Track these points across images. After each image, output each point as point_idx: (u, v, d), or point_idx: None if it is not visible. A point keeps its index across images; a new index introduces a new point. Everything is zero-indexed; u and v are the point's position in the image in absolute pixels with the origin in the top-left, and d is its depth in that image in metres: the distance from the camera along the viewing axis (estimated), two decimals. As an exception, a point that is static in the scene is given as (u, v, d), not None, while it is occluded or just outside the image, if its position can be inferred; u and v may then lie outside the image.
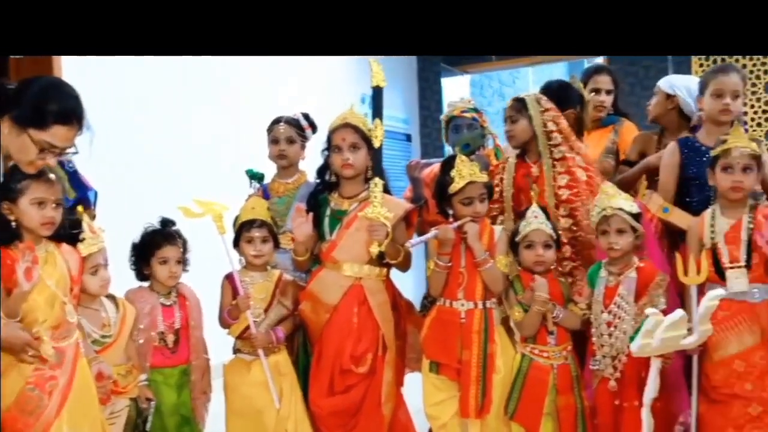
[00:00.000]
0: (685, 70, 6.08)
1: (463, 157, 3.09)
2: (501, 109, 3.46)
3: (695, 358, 2.86)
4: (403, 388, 3.30)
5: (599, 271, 2.99)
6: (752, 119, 6.40)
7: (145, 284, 3.18)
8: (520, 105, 3.32)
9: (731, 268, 2.86)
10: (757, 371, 2.80)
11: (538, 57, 7.07)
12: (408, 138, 6.89)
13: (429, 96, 6.58)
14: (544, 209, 3.09)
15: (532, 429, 2.98)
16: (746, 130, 3.44)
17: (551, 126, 3.29)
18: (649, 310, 2.65)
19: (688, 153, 3.37)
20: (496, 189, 3.34)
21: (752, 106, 6.40)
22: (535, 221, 3.03)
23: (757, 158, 2.88)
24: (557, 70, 8.62)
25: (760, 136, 6.28)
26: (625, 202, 2.94)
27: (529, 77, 8.21)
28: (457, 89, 7.42)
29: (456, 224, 3.04)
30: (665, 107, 3.86)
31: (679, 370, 2.97)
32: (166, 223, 3.18)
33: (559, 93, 3.60)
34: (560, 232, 3.15)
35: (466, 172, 3.04)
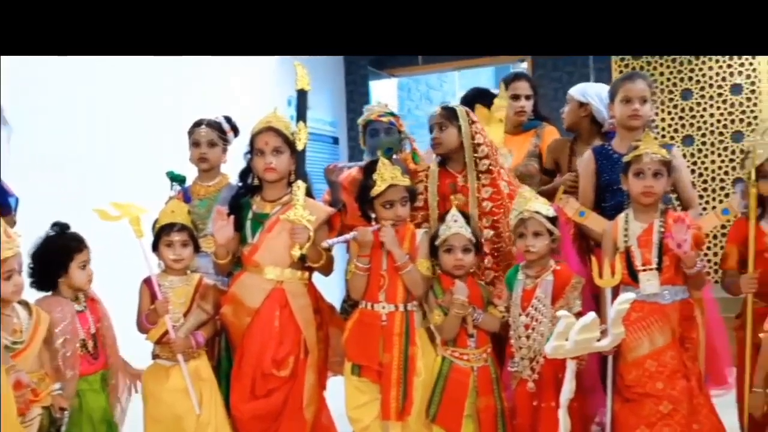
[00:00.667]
0: (606, 77, 6.24)
1: (386, 161, 3.11)
2: (428, 113, 3.46)
3: (610, 359, 2.94)
4: (325, 392, 3.30)
5: (517, 274, 3.04)
6: (669, 125, 6.61)
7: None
8: (449, 114, 3.36)
9: (643, 270, 2.95)
10: (667, 370, 2.88)
11: (465, 61, 7.15)
12: (335, 141, 6.89)
13: (356, 99, 6.60)
14: (465, 214, 3.13)
15: (453, 431, 3.01)
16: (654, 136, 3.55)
17: (479, 138, 3.36)
18: (560, 313, 2.71)
19: (602, 160, 3.48)
20: (421, 197, 3.38)
21: (669, 113, 6.60)
22: (455, 225, 3.06)
23: (667, 164, 2.98)
24: (484, 74, 8.73)
25: (676, 141, 6.50)
26: (542, 206, 3.01)
27: (456, 81, 8.30)
28: (384, 92, 7.47)
29: (372, 228, 3.06)
30: (578, 115, 3.98)
31: (595, 371, 3.05)
32: (65, 227, 3.08)
33: (476, 100, 3.68)
34: (482, 240, 3.21)
35: (387, 176, 3.07)
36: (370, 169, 3.15)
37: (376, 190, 3.07)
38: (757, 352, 2.88)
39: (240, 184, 3.30)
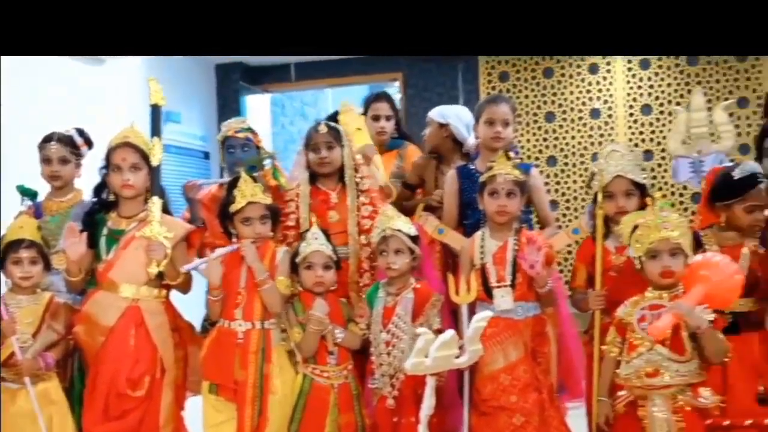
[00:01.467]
0: (474, 98, 6.38)
1: (247, 178, 3.09)
2: (307, 130, 3.45)
3: (466, 373, 3.00)
4: (184, 412, 3.22)
5: (377, 291, 3.08)
6: (534, 146, 6.86)
7: None
8: (336, 134, 3.40)
9: (498, 287, 3.03)
10: (520, 384, 2.97)
11: (338, 79, 7.21)
12: (206, 156, 6.78)
13: (228, 114, 6.49)
14: (325, 231, 3.14)
15: (314, 449, 3.00)
16: (516, 156, 3.67)
17: (359, 158, 3.42)
18: (420, 330, 2.75)
19: (465, 180, 3.58)
20: (292, 216, 3.38)
21: (534, 134, 6.85)
22: (315, 242, 3.08)
23: (520, 184, 3.08)
24: (358, 92, 8.81)
25: (540, 162, 6.75)
26: (404, 224, 3.07)
27: (329, 98, 8.34)
28: (258, 108, 7.41)
29: (231, 247, 3.03)
30: (440, 135, 4.08)
31: (454, 386, 3.11)
32: None
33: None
34: (361, 258, 3.27)
35: (248, 192, 3.05)
36: (231, 186, 3.13)
37: (234, 207, 3.06)
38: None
39: (94, 199, 3.19)
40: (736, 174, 2.83)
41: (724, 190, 2.85)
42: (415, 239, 3.07)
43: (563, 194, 6.80)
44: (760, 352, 2.84)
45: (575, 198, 6.78)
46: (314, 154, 3.39)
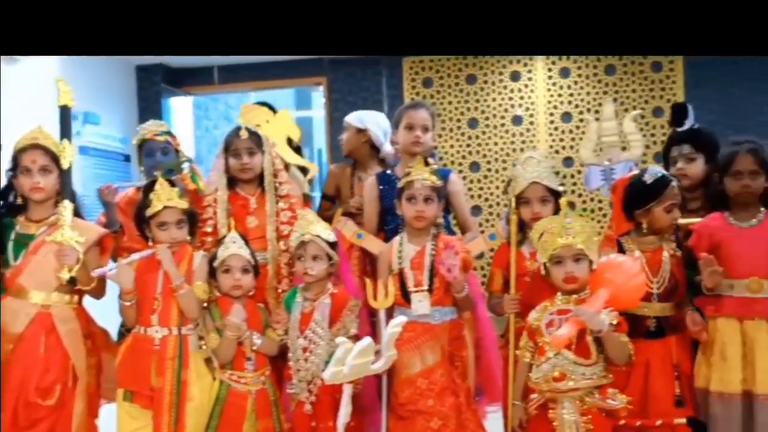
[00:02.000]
0: (398, 104, 6.35)
1: (164, 182, 3.06)
2: (225, 135, 3.42)
3: (384, 378, 3.03)
4: (98, 420, 3.16)
5: (295, 296, 3.07)
6: (457, 152, 6.94)
7: None
8: (257, 139, 3.38)
9: (415, 291, 3.06)
10: (437, 388, 3.00)
11: (262, 82, 7.17)
12: (126, 158, 6.65)
13: (149, 116, 6.33)
14: (243, 236, 3.13)
15: (231, 454, 2.97)
16: (436, 162, 3.71)
17: (278, 164, 3.42)
18: (339, 340, 2.77)
19: (385, 185, 3.61)
20: (210, 222, 3.34)
21: (457, 140, 6.94)
22: (233, 246, 3.06)
23: (437, 189, 3.12)
24: (283, 96, 8.79)
25: (463, 167, 6.84)
26: (323, 230, 3.07)
27: (252, 102, 8.26)
28: (180, 110, 7.31)
29: (142, 253, 3.00)
30: (358, 141, 4.10)
31: (372, 390, 3.12)
32: None
33: None
34: (280, 263, 3.26)
35: (164, 197, 3.02)
36: (148, 189, 3.09)
37: (150, 211, 3.03)
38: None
39: (1, 203, 3.10)
40: (648, 178, 2.90)
41: (641, 195, 2.91)
42: (333, 245, 3.08)
43: (486, 199, 6.90)
44: (678, 354, 2.92)
45: (498, 203, 6.88)
46: (235, 159, 3.37)
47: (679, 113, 3.43)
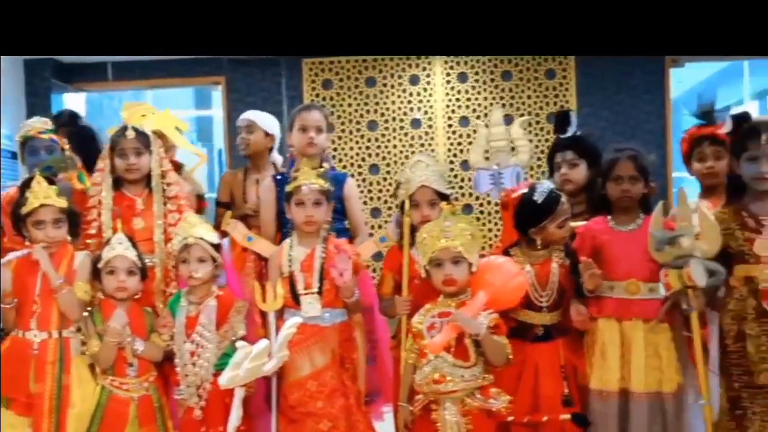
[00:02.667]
0: (298, 104, 6.37)
1: (41, 179, 2.96)
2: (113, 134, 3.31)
3: (274, 380, 3.01)
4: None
5: (179, 300, 3.02)
6: (357, 154, 6.95)
7: None
8: (144, 139, 3.30)
9: (305, 294, 3.06)
10: (327, 390, 3.01)
11: (159, 80, 7.01)
12: (14, 156, 6.38)
13: (39, 112, 6.12)
14: (130, 237, 3.05)
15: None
16: (330, 165, 3.72)
17: (166, 165, 3.34)
18: (239, 344, 2.76)
19: (281, 188, 3.57)
20: (94, 223, 3.25)
21: (357, 142, 6.95)
22: (119, 247, 2.99)
23: (325, 192, 3.12)
24: (182, 94, 8.64)
25: (363, 170, 6.86)
26: (207, 232, 3.02)
27: (150, 100, 8.08)
28: (72, 107, 7.05)
29: (17, 254, 2.90)
30: (265, 144, 4.10)
31: (262, 394, 3.10)
32: None
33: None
34: (168, 266, 3.20)
35: (41, 194, 2.94)
36: (24, 187, 2.98)
37: (26, 209, 2.93)
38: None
39: None
40: (538, 197, 2.95)
41: (533, 215, 2.96)
42: (217, 247, 3.04)
43: (385, 202, 6.94)
44: (566, 355, 2.99)
45: (397, 206, 6.89)
46: (121, 159, 3.28)
47: (562, 121, 3.53)
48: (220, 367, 2.89)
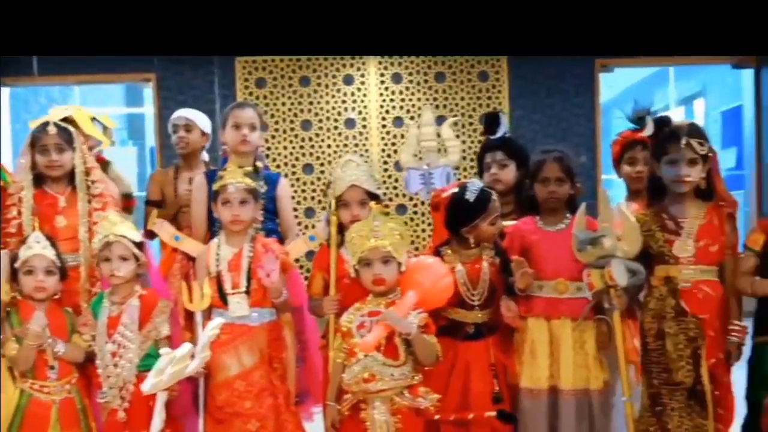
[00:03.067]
0: (231, 103, 6.33)
1: None
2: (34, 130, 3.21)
3: (201, 381, 2.98)
4: None
5: (102, 301, 2.96)
6: (291, 153, 6.94)
7: None
8: (67, 135, 3.23)
9: (233, 293, 3.02)
10: (255, 389, 2.98)
11: (87, 76, 6.85)
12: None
13: (-41, 107, 6.00)
14: (49, 236, 2.98)
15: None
16: (262, 158, 3.70)
17: (90, 162, 3.28)
18: (163, 351, 2.72)
19: (212, 186, 3.52)
20: (14, 222, 3.17)
21: (291, 142, 6.92)
22: (36, 246, 2.92)
23: (252, 191, 3.09)
24: (111, 90, 8.47)
25: (296, 169, 6.83)
26: (129, 230, 2.97)
27: (77, 96, 7.90)
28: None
29: None
30: (201, 143, 4.08)
31: (188, 395, 3.06)
32: None
33: None
34: (93, 265, 3.11)
35: None
36: None
37: None
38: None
39: None
40: (470, 196, 2.97)
41: (466, 213, 2.98)
42: (140, 245, 2.99)
43: (319, 201, 6.92)
44: (496, 353, 3.02)
45: (331, 206, 6.89)
46: (42, 156, 3.20)
47: (491, 122, 3.57)
48: (142, 368, 2.84)
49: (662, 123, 3.04)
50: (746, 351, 2.99)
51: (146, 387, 2.69)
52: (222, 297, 3.03)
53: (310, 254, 3.74)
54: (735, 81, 8.57)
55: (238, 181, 3.04)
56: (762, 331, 2.90)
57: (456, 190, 3.05)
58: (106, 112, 4.06)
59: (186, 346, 2.72)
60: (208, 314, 3.02)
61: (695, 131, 2.94)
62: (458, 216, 3.00)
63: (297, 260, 6.19)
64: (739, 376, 3.00)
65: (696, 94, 11.11)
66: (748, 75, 7.54)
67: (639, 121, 3.38)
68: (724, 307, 2.94)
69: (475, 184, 3.03)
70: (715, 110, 10.19)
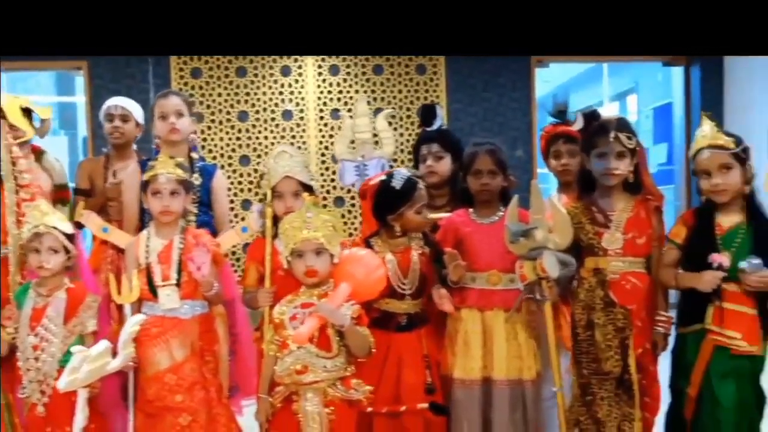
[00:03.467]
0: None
1: None
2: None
3: (131, 375, 2.93)
4: None
5: (27, 291, 2.88)
6: (227, 144, 6.84)
7: None
8: None
9: (163, 286, 2.98)
10: (187, 383, 2.95)
11: (16, 63, 6.59)
12: None
13: None
14: None
15: None
16: (196, 149, 3.65)
17: (16, 152, 3.19)
18: (74, 348, 2.66)
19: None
20: None
21: (227, 133, 6.83)
22: None
23: (183, 182, 3.05)
24: (41, 78, 8.24)
25: (232, 160, 6.76)
26: (60, 221, 2.91)
27: (4, 83, 7.65)
28: None
29: None
30: (135, 134, 4.02)
31: (114, 391, 3.02)
32: None
33: None
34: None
35: None
36: None
37: None
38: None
39: None
40: (396, 183, 2.98)
41: (392, 201, 2.98)
42: (71, 237, 2.92)
43: (256, 193, 6.85)
44: (428, 345, 3.03)
45: (267, 197, 6.83)
46: None
47: (427, 114, 3.58)
48: (64, 364, 2.77)
49: (591, 117, 3.09)
50: (671, 341, 3.07)
51: (61, 385, 2.65)
52: (152, 289, 2.98)
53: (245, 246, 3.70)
54: (666, 78, 8.79)
55: (168, 172, 3.00)
56: (684, 321, 2.97)
57: (383, 177, 3.06)
58: (37, 100, 3.93)
59: (102, 344, 2.68)
60: (138, 307, 2.97)
61: (623, 125, 2.99)
62: (384, 203, 3.00)
63: (233, 252, 6.22)
64: (664, 366, 3.07)
65: (629, 90, 11.37)
66: (678, 73, 7.72)
67: (559, 115, 3.45)
68: (650, 298, 3.00)
69: (401, 172, 3.04)
70: (647, 106, 10.44)
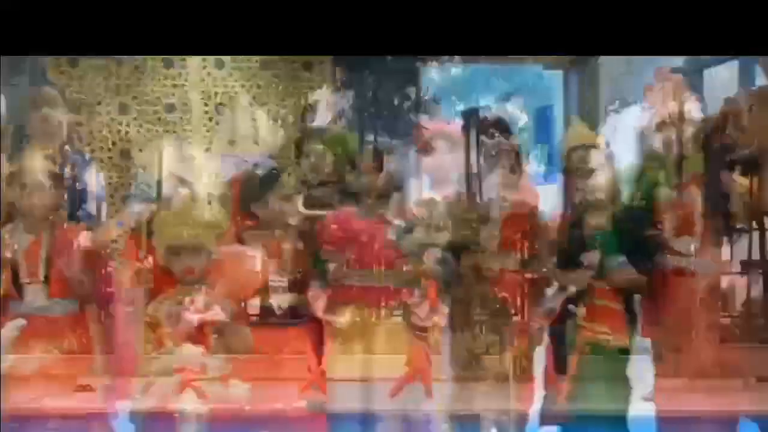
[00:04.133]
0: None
1: None
2: None
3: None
4: None
5: None
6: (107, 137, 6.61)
7: None
8: None
9: (29, 283, 2.85)
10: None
11: None
12: None
13: None
14: None
15: None
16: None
17: None
18: None
19: None
20: None
21: (107, 126, 6.60)
22: None
23: (53, 176, 2.93)
24: None
25: (112, 154, 6.55)
26: None
27: None
28: None
29: None
30: None
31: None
32: None
33: None
34: None
35: None
36: None
37: None
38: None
39: None
40: (259, 172, 3.01)
41: (256, 190, 3.00)
42: None
43: (136, 187, 6.65)
44: (309, 341, 3.03)
45: (144, 191, 6.66)
46: None
47: (312, 110, 3.58)
48: None
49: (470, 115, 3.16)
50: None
51: None
52: (17, 287, 2.84)
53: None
54: (548, 82, 9.09)
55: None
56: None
57: (248, 167, 3.08)
58: None
59: None
60: (4, 305, 2.83)
61: (501, 125, 3.08)
62: (250, 194, 3.03)
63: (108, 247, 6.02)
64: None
65: (513, 92, 11.68)
66: (557, 77, 7.98)
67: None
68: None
69: (266, 162, 3.05)
70: (529, 108, 10.75)
